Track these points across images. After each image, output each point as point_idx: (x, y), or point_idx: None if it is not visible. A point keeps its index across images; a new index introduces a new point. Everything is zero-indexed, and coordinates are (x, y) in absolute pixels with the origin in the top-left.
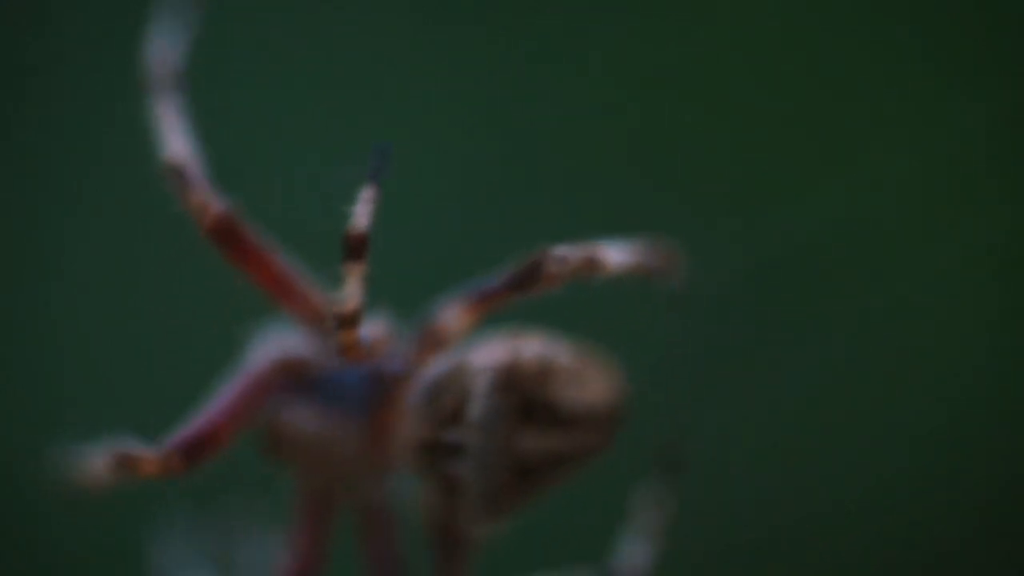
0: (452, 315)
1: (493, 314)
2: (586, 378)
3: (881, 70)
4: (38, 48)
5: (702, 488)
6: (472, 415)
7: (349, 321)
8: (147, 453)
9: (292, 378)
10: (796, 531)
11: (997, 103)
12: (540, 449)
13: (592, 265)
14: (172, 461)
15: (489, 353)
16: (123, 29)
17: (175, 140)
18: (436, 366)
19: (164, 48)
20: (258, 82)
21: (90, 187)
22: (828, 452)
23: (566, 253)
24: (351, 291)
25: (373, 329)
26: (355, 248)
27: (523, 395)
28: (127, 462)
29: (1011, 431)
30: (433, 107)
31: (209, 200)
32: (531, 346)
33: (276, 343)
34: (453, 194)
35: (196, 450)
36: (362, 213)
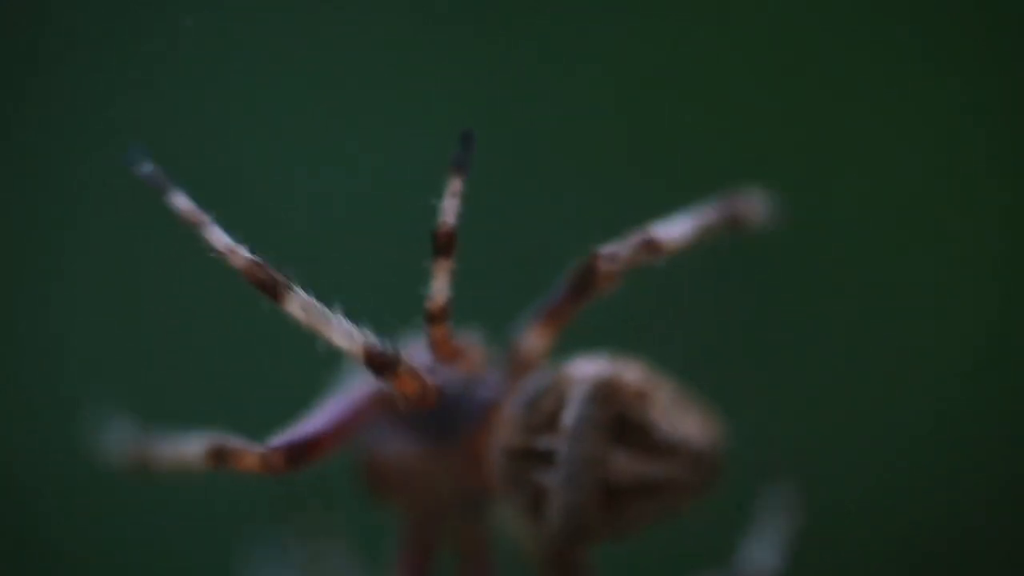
0: (531, 336)
1: (568, 325)
2: (685, 415)
3: (881, 69)
4: (38, 46)
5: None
6: (565, 422)
7: (439, 317)
8: (250, 448)
9: (391, 408)
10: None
11: (997, 100)
12: (630, 471)
13: (649, 248)
14: (275, 460)
15: (590, 366)
16: (123, 29)
17: (354, 334)
18: (535, 378)
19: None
20: (258, 83)
21: (91, 187)
22: (827, 451)
23: (615, 249)
24: (439, 287)
25: (466, 338)
26: (443, 244)
27: (619, 412)
28: (227, 455)
29: (1009, 430)
30: (432, 107)
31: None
32: (634, 368)
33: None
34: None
35: (300, 454)
36: (449, 208)
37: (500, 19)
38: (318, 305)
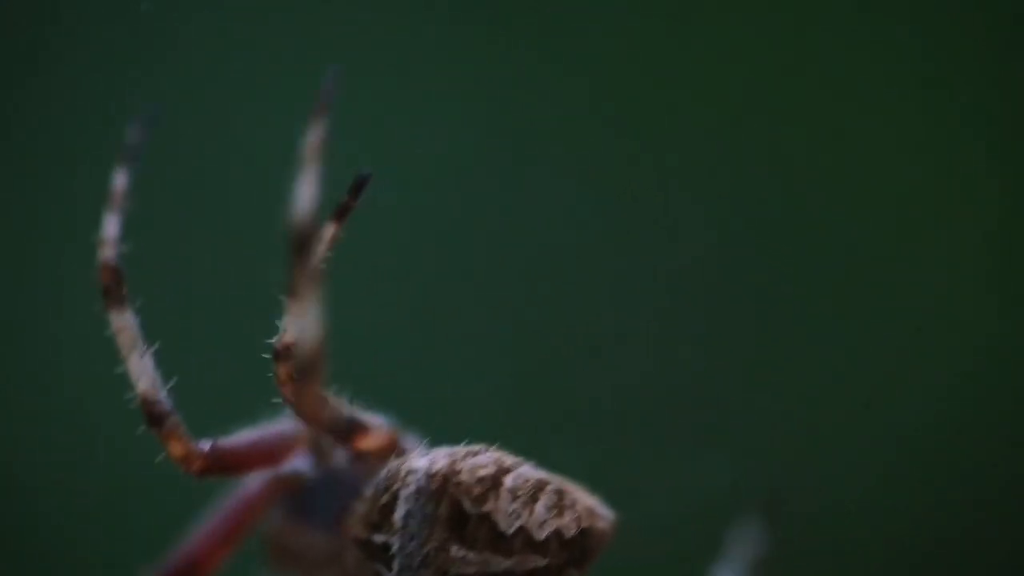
0: (365, 437)
1: None
2: (538, 502)
3: (881, 69)
4: (40, 48)
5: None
6: (396, 518)
7: (282, 355)
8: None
9: (288, 493)
10: (796, 530)
11: (996, 102)
12: (472, 564)
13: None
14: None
15: (429, 458)
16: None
17: (143, 371)
18: (382, 470)
19: (109, 247)
20: (259, 82)
21: (91, 188)
22: (826, 451)
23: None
24: (288, 323)
25: (379, 424)
26: (298, 282)
27: (457, 505)
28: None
29: (1008, 430)
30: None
31: (190, 450)
32: (479, 460)
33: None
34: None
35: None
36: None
37: (504, 18)
38: (134, 335)
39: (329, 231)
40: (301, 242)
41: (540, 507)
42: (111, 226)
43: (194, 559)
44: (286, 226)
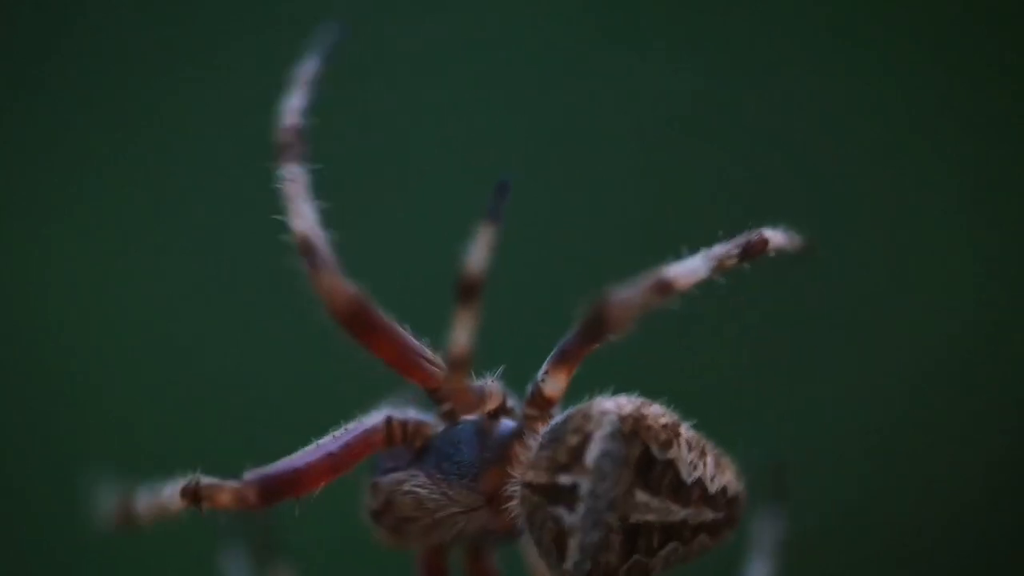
0: (548, 378)
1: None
2: (706, 455)
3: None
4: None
5: None
6: (588, 459)
7: (458, 365)
8: (224, 483)
9: (404, 441)
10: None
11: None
12: (653, 511)
13: (662, 290)
14: (248, 495)
15: (617, 402)
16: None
17: (305, 214)
18: (559, 415)
19: (293, 114)
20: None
21: (90, 189)
22: (824, 452)
23: (626, 294)
24: (459, 334)
25: (486, 385)
26: (466, 291)
27: (646, 450)
28: (201, 492)
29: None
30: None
31: (339, 284)
32: (657, 408)
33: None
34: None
35: (275, 490)
36: (477, 255)
37: None
38: (304, 185)
39: (486, 236)
40: (469, 289)
41: (711, 461)
42: (296, 99)
43: (299, 475)
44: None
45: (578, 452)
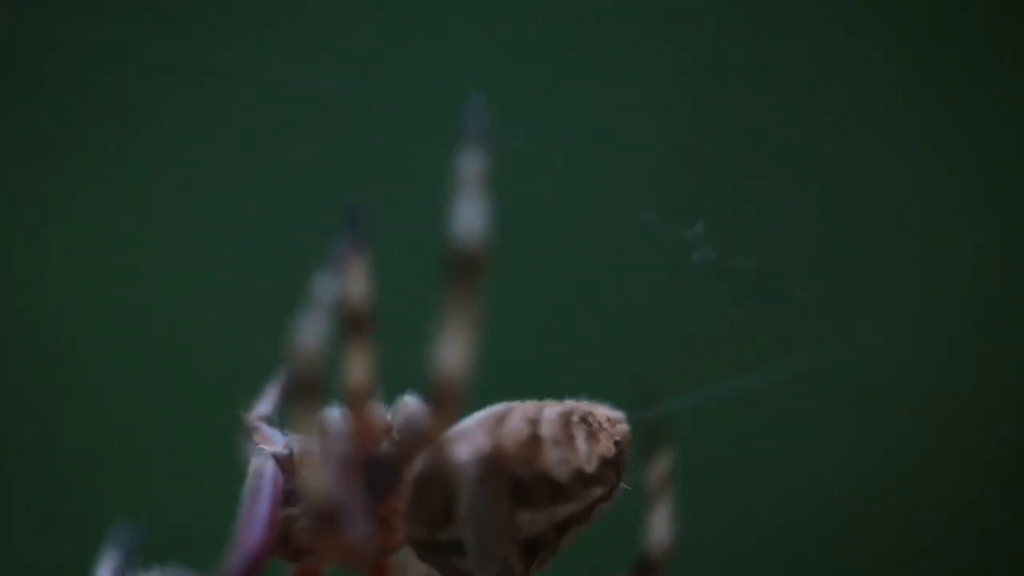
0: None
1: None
2: (576, 437)
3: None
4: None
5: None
6: (462, 512)
7: (355, 400)
8: None
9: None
10: (791, 532)
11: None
12: (542, 521)
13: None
14: None
15: (469, 443)
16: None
17: (324, 480)
18: (420, 463)
19: (311, 339)
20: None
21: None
22: (820, 455)
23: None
24: (354, 368)
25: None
26: (356, 323)
27: (512, 477)
28: None
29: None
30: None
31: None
32: (512, 424)
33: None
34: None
35: (260, 565)
36: (354, 285)
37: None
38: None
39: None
40: (356, 319)
41: (580, 443)
42: (314, 323)
43: (260, 555)
44: (450, 247)
45: (448, 509)
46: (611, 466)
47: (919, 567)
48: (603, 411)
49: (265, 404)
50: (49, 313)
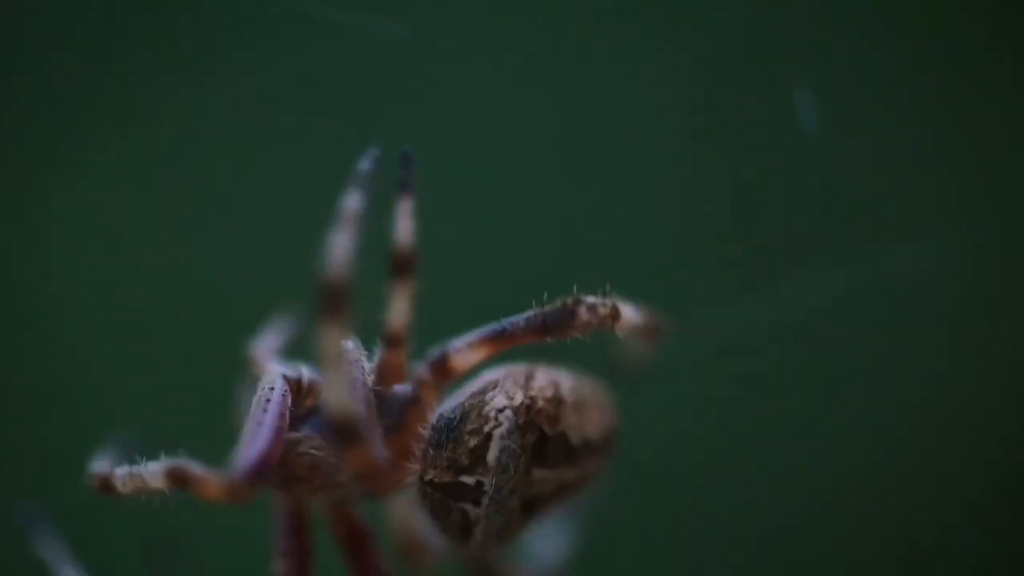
0: (466, 353)
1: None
2: (587, 408)
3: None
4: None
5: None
6: (490, 457)
7: (395, 340)
8: (213, 476)
9: (298, 396)
10: (789, 532)
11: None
12: (550, 482)
13: (615, 317)
14: (240, 488)
15: (506, 392)
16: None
17: (341, 390)
18: (448, 406)
19: (342, 257)
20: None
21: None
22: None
23: (597, 302)
24: (398, 310)
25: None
26: (400, 266)
27: (539, 432)
28: (188, 480)
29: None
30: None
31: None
32: (540, 382)
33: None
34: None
35: (261, 475)
36: (404, 228)
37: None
38: (340, 353)
39: (403, 207)
40: (402, 264)
41: (593, 412)
42: (343, 239)
43: (270, 455)
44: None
45: (479, 453)
46: (609, 441)
47: (919, 567)
48: (600, 392)
49: (272, 338)
50: (49, 312)
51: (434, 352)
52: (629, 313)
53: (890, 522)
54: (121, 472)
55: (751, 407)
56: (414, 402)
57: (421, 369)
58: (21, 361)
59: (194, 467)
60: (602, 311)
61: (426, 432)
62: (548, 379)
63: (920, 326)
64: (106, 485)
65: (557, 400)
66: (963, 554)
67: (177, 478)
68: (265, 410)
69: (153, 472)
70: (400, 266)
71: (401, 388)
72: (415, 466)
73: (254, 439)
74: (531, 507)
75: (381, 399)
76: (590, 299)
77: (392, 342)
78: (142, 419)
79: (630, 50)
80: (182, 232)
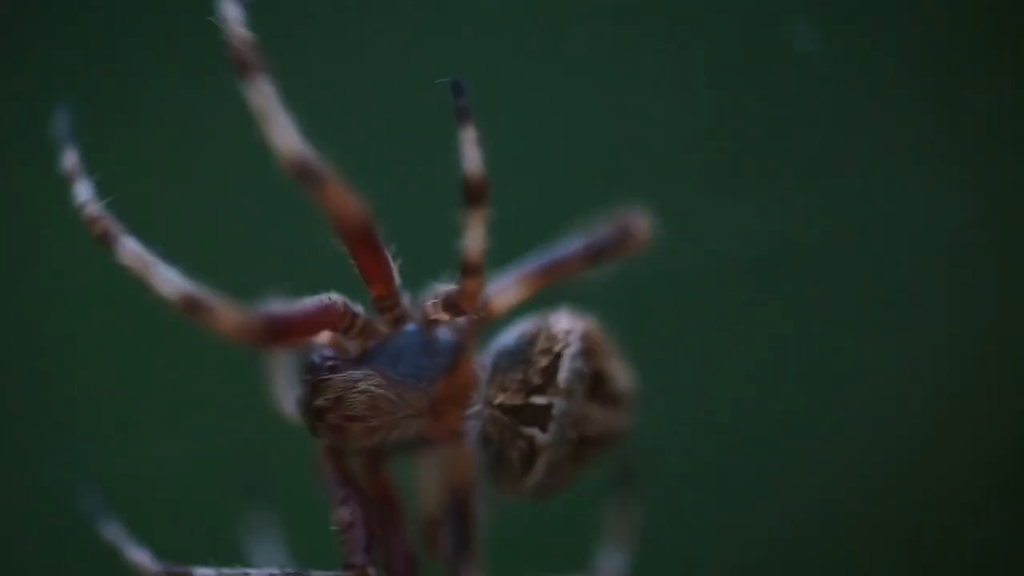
0: (513, 288)
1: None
2: (622, 364)
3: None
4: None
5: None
6: (561, 378)
7: (472, 269)
8: (229, 308)
9: (348, 332)
10: (791, 533)
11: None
12: (602, 423)
13: (648, 227)
14: (254, 327)
15: (569, 320)
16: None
17: (286, 131)
18: (508, 338)
19: (238, 26)
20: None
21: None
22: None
23: (640, 214)
24: (471, 239)
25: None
26: (473, 195)
27: (598, 364)
28: (202, 309)
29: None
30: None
31: (348, 199)
32: (591, 324)
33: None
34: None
35: (280, 331)
36: (471, 157)
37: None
38: (277, 101)
39: (466, 136)
40: (476, 192)
41: (627, 368)
42: (232, 8)
43: (299, 322)
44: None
45: (550, 373)
46: (634, 404)
47: (919, 567)
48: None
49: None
50: (49, 312)
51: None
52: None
53: (890, 522)
54: (132, 244)
55: (751, 407)
56: (462, 345)
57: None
58: (21, 359)
59: (210, 296)
60: (645, 221)
61: (487, 364)
62: (596, 324)
63: (920, 326)
64: (105, 237)
65: (606, 342)
66: (963, 554)
67: (191, 303)
68: (309, 302)
69: (167, 279)
70: (473, 194)
71: (445, 333)
72: (482, 393)
73: (288, 304)
74: (582, 451)
75: (429, 342)
76: (646, 216)
77: (470, 270)
78: (140, 422)
79: (634, 51)
80: (182, 231)
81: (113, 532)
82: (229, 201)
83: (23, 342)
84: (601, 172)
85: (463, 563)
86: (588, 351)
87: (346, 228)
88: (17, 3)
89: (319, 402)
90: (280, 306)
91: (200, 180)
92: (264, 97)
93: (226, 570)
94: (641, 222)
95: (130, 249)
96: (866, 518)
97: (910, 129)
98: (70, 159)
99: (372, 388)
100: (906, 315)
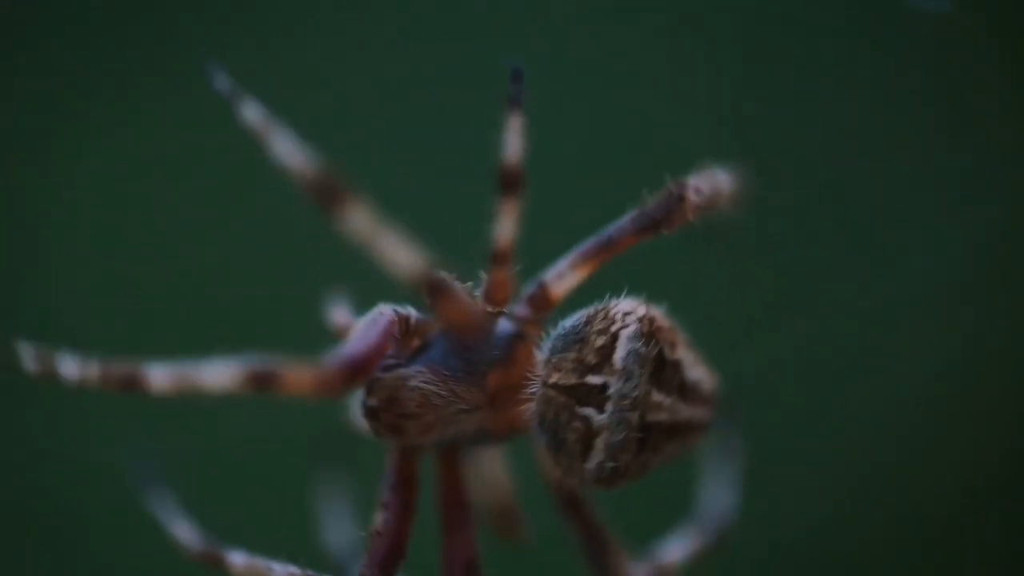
0: (566, 272)
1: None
2: (698, 358)
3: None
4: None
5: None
6: (617, 357)
7: (501, 258)
8: (298, 369)
9: (406, 335)
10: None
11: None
12: (666, 410)
13: (718, 193)
14: (333, 379)
15: (630, 304)
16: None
17: (404, 251)
18: (576, 317)
19: (308, 159)
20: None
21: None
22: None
23: (698, 183)
24: (503, 227)
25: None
26: (508, 183)
27: (660, 351)
28: (269, 379)
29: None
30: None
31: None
32: (658, 311)
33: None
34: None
35: (356, 372)
36: (512, 144)
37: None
38: (380, 220)
39: (513, 124)
40: (510, 180)
41: (702, 363)
42: (281, 146)
43: (367, 357)
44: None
45: (606, 352)
46: (714, 405)
47: (919, 567)
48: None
49: (341, 307)
50: (48, 311)
51: (530, 287)
52: (724, 180)
53: (890, 522)
54: (163, 370)
55: (750, 407)
56: (520, 337)
57: (519, 307)
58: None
59: (273, 363)
60: (706, 191)
61: (546, 349)
62: (668, 319)
63: (920, 326)
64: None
65: (674, 330)
66: (963, 554)
67: (258, 379)
68: (371, 325)
69: (219, 372)
70: (508, 183)
71: (504, 325)
72: (538, 373)
73: (352, 340)
74: (646, 438)
75: (486, 333)
76: (692, 180)
77: (499, 259)
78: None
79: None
80: (181, 232)
81: (159, 504)
82: (229, 201)
83: (31, 337)
84: (627, 174)
85: (604, 554)
86: (649, 334)
87: (458, 329)
88: (17, 3)
89: (371, 402)
90: (346, 346)
91: (200, 180)
92: (364, 222)
93: (258, 560)
94: (719, 179)
95: (159, 374)
96: (866, 518)
97: (905, 125)
98: (253, 110)
99: (422, 385)
100: (906, 315)
